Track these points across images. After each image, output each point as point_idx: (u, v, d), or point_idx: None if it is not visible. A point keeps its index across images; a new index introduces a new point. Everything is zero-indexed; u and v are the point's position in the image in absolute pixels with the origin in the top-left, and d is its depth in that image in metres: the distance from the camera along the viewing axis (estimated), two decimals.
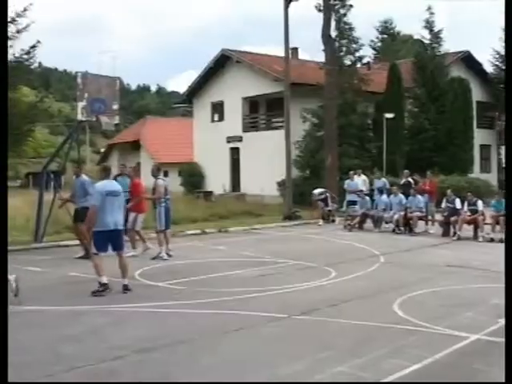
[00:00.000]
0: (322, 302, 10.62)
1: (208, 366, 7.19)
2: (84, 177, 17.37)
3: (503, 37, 35.45)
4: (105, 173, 12.67)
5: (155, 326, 9.15)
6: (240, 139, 42.33)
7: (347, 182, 26.92)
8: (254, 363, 7.31)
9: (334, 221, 26.93)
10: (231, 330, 8.76)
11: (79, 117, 20.20)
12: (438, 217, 22.73)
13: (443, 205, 21.97)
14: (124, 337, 8.44)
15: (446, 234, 21.38)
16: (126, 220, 20.23)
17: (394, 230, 22.53)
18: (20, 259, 16.64)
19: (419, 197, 22.88)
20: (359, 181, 26.88)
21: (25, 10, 19.72)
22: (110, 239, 12.00)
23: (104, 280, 11.72)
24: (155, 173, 17.48)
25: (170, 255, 16.80)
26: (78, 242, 17.39)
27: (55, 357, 7.55)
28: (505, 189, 11.05)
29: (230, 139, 42.98)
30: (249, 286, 12.34)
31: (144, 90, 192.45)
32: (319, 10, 33.48)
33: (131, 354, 7.60)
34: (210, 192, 42.25)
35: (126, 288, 11.90)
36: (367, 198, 24.91)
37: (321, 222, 26.64)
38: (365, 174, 28.42)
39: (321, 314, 9.68)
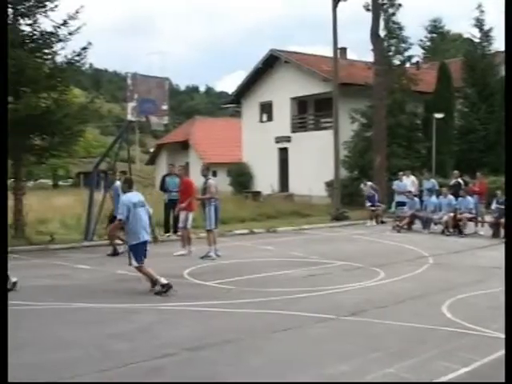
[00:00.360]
0: (370, 303, 10.59)
1: (255, 366, 7.22)
2: (118, 183, 17.56)
3: None
4: (128, 184, 12.70)
5: (204, 325, 9.21)
6: (288, 139, 42.31)
7: (396, 182, 26.76)
8: (301, 363, 7.31)
9: (382, 222, 26.81)
10: (279, 330, 8.78)
11: (129, 117, 20.42)
12: (488, 218, 22.47)
13: (493, 206, 21.74)
14: (173, 335, 8.52)
15: (495, 235, 21.13)
16: (177, 219, 20.50)
17: (443, 232, 22.34)
18: (70, 257, 16.95)
19: (469, 198, 22.63)
20: (408, 182, 26.67)
21: (76, 12, 19.97)
22: (145, 249, 12.13)
23: (163, 281, 11.72)
24: (205, 172, 17.61)
25: (218, 255, 16.90)
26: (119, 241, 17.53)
27: (107, 353, 7.66)
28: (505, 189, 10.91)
29: (278, 139, 42.99)
30: (297, 286, 12.35)
31: (193, 90, 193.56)
32: (368, 10, 33.30)
33: (180, 352, 7.66)
34: (259, 192, 42.31)
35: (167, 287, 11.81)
36: (416, 198, 24.70)
37: (368, 222, 26.54)
38: (414, 175, 28.20)
39: (369, 315, 9.66)
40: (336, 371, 6.96)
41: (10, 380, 5.94)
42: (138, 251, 11.99)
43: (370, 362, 7.30)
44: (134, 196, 12.27)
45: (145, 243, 12.07)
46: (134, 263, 12.03)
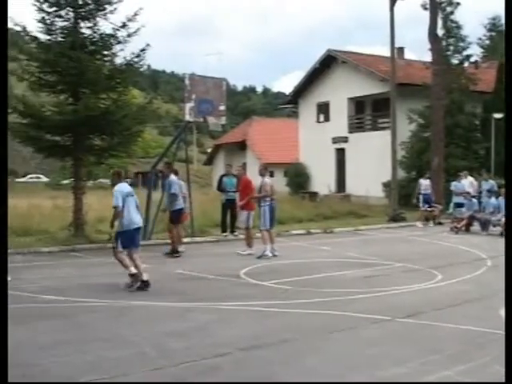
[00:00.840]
0: (426, 305, 10.52)
1: (311, 366, 7.23)
2: (172, 177, 17.74)
3: None
4: (118, 176, 13.20)
5: (260, 325, 9.26)
6: (345, 140, 42.19)
7: (454, 183, 26.49)
8: (357, 365, 7.31)
9: (440, 223, 26.56)
10: (335, 331, 8.79)
11: (187, 117, 20.62)
12: None
13: None
14: (229, 334, 8.58)
15: None
16: (234, 219, 20.67)
17: (501, 234, 22.02)
18: None
19: None
20: (466, 183, 26.38)
21: (135, 14, 20.23)
22: (136, 236, 12.78)
23: (133, 270, 12.22)
24: (263, 172, 17.73)
25: (275, 254, 16.97)
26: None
27: (161, 352, 7.75)
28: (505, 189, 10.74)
29: (335, 140, 42.90)
30: (353, 287, 12.33)
31: (250, 90, 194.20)
32: (425, 9, 33.01)
33: (235, 352, 7.72)
34: (315, 192, 42.28)
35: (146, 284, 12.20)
36: (474, 200, 24.41)
37: (420, 223, 26.33)
38: (472, 176, 27.88)
39: (425, 317, 9.59)
40: (391, 374, 6.93)
41: (10, 380, 6.00)
42: (126, 238, 12.42)
43: (425, 364, 7.25)
44: (125, 186, 12.86)
45: (137, 230, 12.73)
46: (120, 248, 12.42)
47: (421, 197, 27.14)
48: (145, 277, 12.20)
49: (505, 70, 9.04)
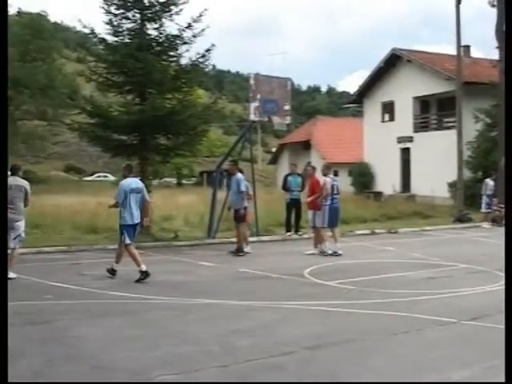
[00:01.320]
0: (493, 308, 10.36)
1: (375, 367, 7.20)
2: (240, 175, 17.85)
3: None
4: (128, 170, 13.91)
5: (324, 324, 9.26)
6: (411, 139, 41.83)
7: None
8: (422, 367, 7.24)
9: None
10: (399, 332, 8.74)
11: (252, 117, 20.73)
12: None
13: None
14: (293, 333, 8.60)
15: None
16: (299, 218, 20.72)
17: None
18: (193, 254, 17.36)
19: None
20: None
21: (200, 15, 20.44)
22: (135, 231, 13.56)
23: (143, 268, 12.95)
24: (325, 171, 17.82)
25: (338, 254, 17.00)
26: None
27: (227, 349, 7.80)
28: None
29: (400, 139, 42.57)
30: (418, 288, 12.24)
31: (314, 90, 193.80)
32: (492, 6, 32.51)
33: (300, 351, 7.74)
34: (380, 192, 42.03)
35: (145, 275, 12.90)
36: None
37: (486, 224, 25.97)
38: None
39: (492, 320, 9.44)
40: (457, 376, 6.86)
41: (10, 380, 6.06)
42: (130, 231, 13.27)
43: (491, 368, 7.13)
44: (133, 182, 13.55)
45: (136, 225, 13.48)
46: (127, 241, 13.25)
47: (484, 198, 26.80)
48: (143, 267, 12.96)
49: (505, 70, 8.90)
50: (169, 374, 6.78)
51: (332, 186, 17.64)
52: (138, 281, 12.70)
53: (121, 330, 8.83)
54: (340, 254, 16.98)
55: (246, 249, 17.62)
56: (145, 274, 12.82)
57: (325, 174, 17.81)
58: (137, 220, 13.41)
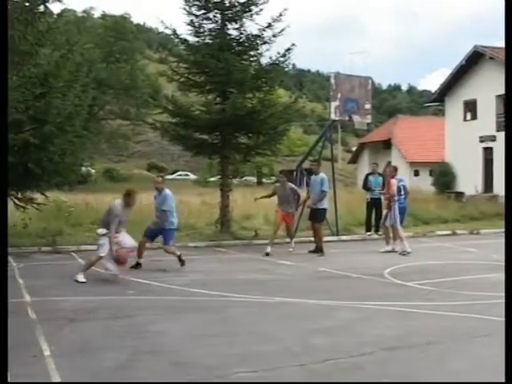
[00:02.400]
0: None
1: (455, 370, 7.10)
2: (323, 174, 17.87)
3: None
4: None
5: (403, 325, 9.19)
6: (493, 139, 41.01)
7: None
8: (502, 371, 7.13)
9: None
10: (480, 335, 8.61)
11: (332, 116, 20.73)
12: None
13: None
14: (372, 333, 8.56)
15: None
16: (379, 218, 20.70)
17: None
18: (274, 253, 17.41)
19: None
20: None
21: (280, 15, 20.49)
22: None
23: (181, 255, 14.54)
24: (393, 173, 17.89)
25: (407, 252, 17.10)
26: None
27: (306, 348, 7.81)
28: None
29: (482, 138, 41.78)
30: (498, 290, 11.99)
31: (395, 89, 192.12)
32: None
33: (378, 351, 7.70)
34: (462, 192, 41.34)
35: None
36: None
37: None
38: None
39: None
40: None
41: (10, 380, 6.09)
42: (173, 235, 14.90)
43: None
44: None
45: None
46: (172, 242, 14.74)
47: None
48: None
49: (505, 70, 8.65)
50: (247, 372, 6.82)
51: (398, 187, 17.92)
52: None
53: (200, 326, 8.95)
54: (408, 252, 17.05)
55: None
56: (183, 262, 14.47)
57: (392, 176, 17.90)
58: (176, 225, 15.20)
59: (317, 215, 17.73)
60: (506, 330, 6.49)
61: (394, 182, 17.74)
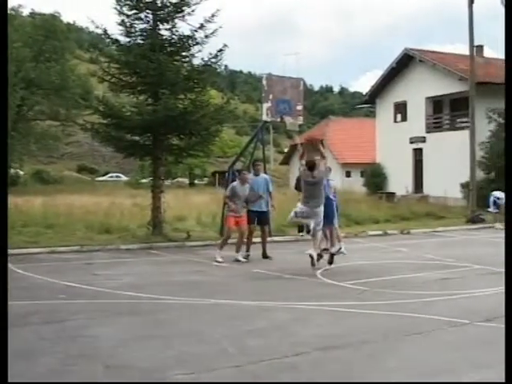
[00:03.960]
0: None
1: (389, 369, 7.18)
2: (264, 175, 17.87)
3: None
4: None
5: (337, 325, 9.27)
6: (423, 140, 41.72)
7: None
8: (435, 369, 7.21)
9: None
10: (412, 333, 8.71)
11: (264, 117, 20.75)
12: None
13: None
14: (306, 334, 8.60)
15: None
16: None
17: None
18: (206, 254, 17.36)
19: None
20: None
21: (213, 15, 20.45)
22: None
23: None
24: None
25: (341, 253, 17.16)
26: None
27: (242, 349, 7.82)
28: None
29: (413, 140, 42.46)
30: (430, 289, 12.21)
31: (327, 90, 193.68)
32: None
33: (313, 351, 7.73)
34: (393, 193, 41.93)
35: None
36: None
37: (500, 225, 25.89)
38: None
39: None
40: (470, 379, 6.82)
41: (10, 380, 6.10)
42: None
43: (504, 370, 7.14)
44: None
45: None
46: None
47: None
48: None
49: (505, 70, 8.86)
50: (183, 374, 6.79)
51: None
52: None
53: (135, 329, 8.87)
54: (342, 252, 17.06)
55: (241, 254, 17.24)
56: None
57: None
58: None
59: (267, 217, 17.62)
60: (506, 329, 6.59)
61: (331, 183, 17.73)
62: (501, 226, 25.66)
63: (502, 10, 32.47)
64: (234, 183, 17.06)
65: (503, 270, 14.16)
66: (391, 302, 10.80)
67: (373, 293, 11.77)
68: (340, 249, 17.23)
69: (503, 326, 9.04)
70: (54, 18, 68.66)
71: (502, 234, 22.33)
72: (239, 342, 8.13)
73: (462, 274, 14.17)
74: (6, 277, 6.91)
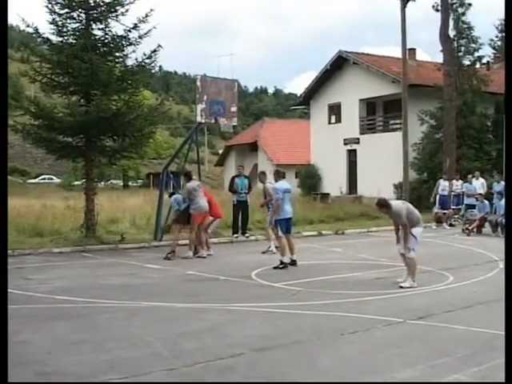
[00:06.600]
0: (438, 307, 10.50)
1: (324, 368, 7.22)
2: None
3: None
4: (278, 175, 16.05)
5: (272, 326, 9.26)
6: (357, 141, 42.15)
7: (466, 185, 26.48)
8: (370, 367, 7.28)
9: (452, 225, 26.54)
10: (347, 332, 8.77)
11: (198, 119, 20.64)
12: None
13: None
14: (241, 335, 8.59)
15: None
16: (246, 220, 20.66)
17: None
18: (140, 257, 17.25)
19: None
20: (477, 184, 26.33)
21: (146, 16, 20.26)
22: (288, 224, 15.65)
23: (285, 260, 15.12)
24: (262, 178, 17.74)
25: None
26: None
27: (175, 352, 7.76)
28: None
29: (346, 141, 42.86)
30: (365, 288, 12.32)
31: (262, 92, 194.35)
32: (437, 10, 33.20)
33: (248, 352, 7.73)
34: (327, 194, 42.27)
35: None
36: (486, 201, 24.28)
37: (434, 225, 26.30)
38: (483, 177, 27.80)
39: (437, 319, 9.56)
40: (403, 376, 6.90)
41: (10, 380, 6.01)
42: (282, 225, 15.43)
43: (438, 367, 7.21)
44: (284, 184, 15.78)
45: (288, 219, 15.69)
46: (280, 233, 15.41)
47: (438, 198, 27.06)
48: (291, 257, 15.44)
49: (505, 70, 9.01)
50: (117, 378, 6.71)
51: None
52: (276, 268, 14.92)
53: (67, 334, 8.71)
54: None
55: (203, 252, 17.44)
56: (294, 263, 15.31)
57: (262, 181, 17.73)
58: (288, 215, 15.57)
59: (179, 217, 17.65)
60: (506, 330, 6.59)
61: (270, 186, 17.67)
62: (434, 226, 26.09)
63: (433, 15, 33.22)
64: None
65: (434, 269, 14.49)
66: (326, 302, 10.86)
67: (307, 293, 11.82)
68: (269, 247, 17.43)
69: (435, 324, 9.25)
70: None
71: (435, 234, 22.84)
72: (173, 345, 8.07)
73: (396, 273, 14.27)
74: (6, 277, 6.78)
